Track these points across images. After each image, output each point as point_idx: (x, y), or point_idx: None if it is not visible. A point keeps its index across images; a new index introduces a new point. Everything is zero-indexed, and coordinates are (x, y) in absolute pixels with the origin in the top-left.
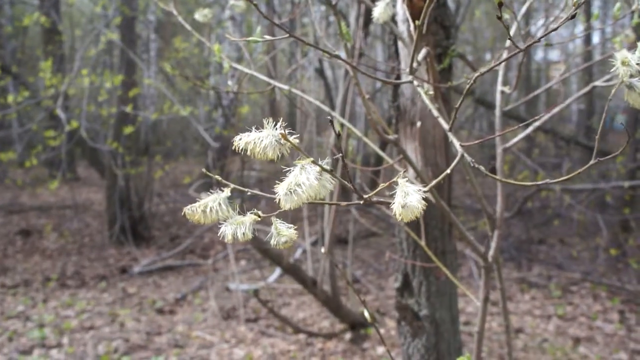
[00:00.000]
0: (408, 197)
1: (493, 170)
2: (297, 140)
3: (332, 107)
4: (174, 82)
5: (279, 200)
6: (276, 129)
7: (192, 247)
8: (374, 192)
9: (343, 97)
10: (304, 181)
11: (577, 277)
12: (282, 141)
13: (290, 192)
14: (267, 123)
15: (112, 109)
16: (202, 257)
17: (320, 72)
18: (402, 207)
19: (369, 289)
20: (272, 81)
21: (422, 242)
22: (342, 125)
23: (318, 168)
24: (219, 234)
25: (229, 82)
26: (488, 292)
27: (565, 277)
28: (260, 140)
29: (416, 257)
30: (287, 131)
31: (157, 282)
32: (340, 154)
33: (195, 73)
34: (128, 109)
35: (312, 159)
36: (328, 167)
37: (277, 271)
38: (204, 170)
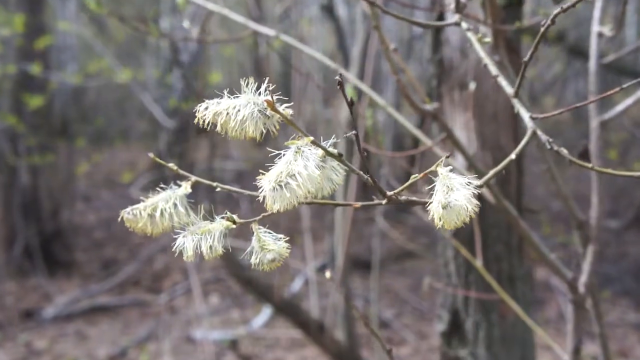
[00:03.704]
0: (452, 194)
1: (585, 155)
2: (291, 111)
3: (347, 64)
4: (106, 28)
5: (264, 198)
6: (260, 93)
7: (136, 277)
8: (403, 187)
9: (362, 49)
10: (301, 170)
11: None
12: (269, 112)
13: (281, 185)
14: (247, 85)
15: (8, 67)
16: (152, 291)
17: (328, 10)
18: (444, 207)
19: (403, 338)
20: (252, 24)
21: (478, 263)
22: (359, 91)
23: (321, 151)
24: (174, 248)
25: (186, 25)
26: (580, 339)
27: None
28: (237, 109)
29: (470, 286)
30: (275, 96)
31: (81, 332)
32: (354, 132)
33: (137, 13)
34: (34, 68)
35: (312, 138)
36: (335, 151)
37: (266, 311)
38: (150, 155)
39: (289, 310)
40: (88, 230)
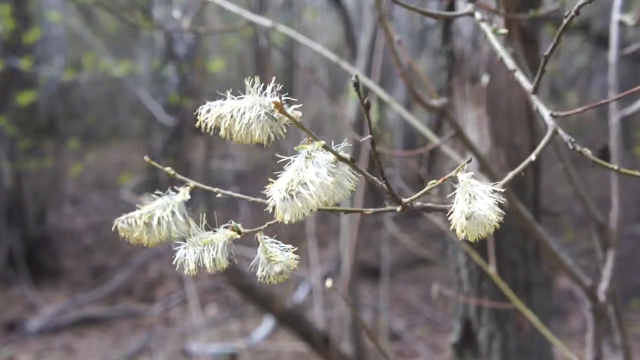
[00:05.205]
0: (475, 203)
1: (605, 154)
2: (300, 113)
3: (354, 57)
4: (95, 18)
5: (273, 208)
6: (265, 94)
7: (128, 286)
8: (419, 194)
9: (370, 41)
10: (313, 178)
11: None
12: (276, 114)
13: (292, 195)
14: (251, 85)
15: None
16: (145, 301)
17: None
18: (467, 218)
19: (416, 351)
20: (246, 14)
21: (492, 270)
22: (366, 87)
23: (332, 156)
24: (174, 262)
25: (176, 15)
26: (600, 352)
27: None
28: (241, 112)
29: (483, 294)
30: (283, 98)
31: (69, 345)
32: (370, 137)
33: (129, 2)
34: (24, 62)
35: (323, 142)
36: (348, 155)
37: (268, 323)
38: (146, 158)
39: (292, 321)
40: (76, 235)
